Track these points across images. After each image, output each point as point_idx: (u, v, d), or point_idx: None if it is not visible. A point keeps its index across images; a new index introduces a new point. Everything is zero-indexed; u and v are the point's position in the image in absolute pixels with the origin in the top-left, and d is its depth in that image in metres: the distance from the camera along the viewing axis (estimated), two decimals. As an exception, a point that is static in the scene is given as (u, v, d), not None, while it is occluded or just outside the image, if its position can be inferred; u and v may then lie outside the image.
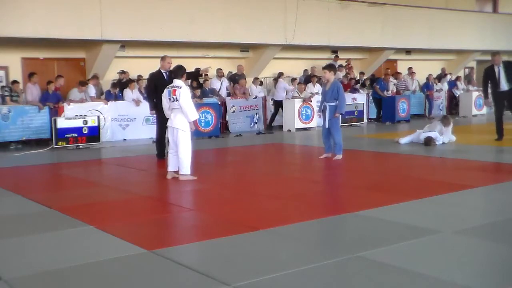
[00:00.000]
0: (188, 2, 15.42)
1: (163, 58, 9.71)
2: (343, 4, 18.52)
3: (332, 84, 9.22)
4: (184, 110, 7.43)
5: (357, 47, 19.58)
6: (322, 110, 9.32)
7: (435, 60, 22.73)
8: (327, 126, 9.21)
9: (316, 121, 15.48)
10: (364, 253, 4.13)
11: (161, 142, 9.79)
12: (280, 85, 15.77)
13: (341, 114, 9.29)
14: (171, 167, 7.76)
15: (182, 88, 7.49)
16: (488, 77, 11.41)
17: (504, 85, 11.18)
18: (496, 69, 11.31)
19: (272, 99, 15.95)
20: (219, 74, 15.91)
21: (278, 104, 15.64)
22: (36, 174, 9.06)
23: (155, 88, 9.49)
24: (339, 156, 9.19)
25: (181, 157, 7.54)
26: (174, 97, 7.46)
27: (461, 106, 19.36)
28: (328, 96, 9.17)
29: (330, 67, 9.45)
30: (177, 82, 7.61)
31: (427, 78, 19.36)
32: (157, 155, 9.87)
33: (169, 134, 7.77)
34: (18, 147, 12.16)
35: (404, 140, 11.28)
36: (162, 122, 9.71)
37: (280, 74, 16.65)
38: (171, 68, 9.57)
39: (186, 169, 7.57)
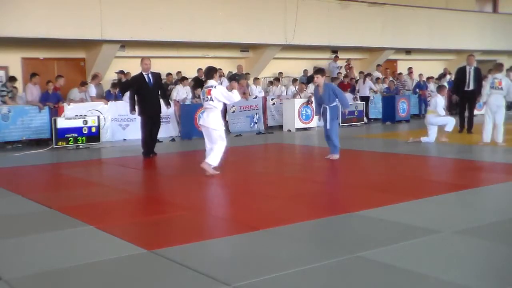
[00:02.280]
0: (188, 2, 15.44)
1: (141, 61, 10.12)
2: (343, 4, 18.53)
3: (325, 87, 9.13)
4: (229, 101, 8.17)
5: (357, 47, 19.58)
6: (322, 113, 9.25)
7: (435, 60, 22.74)
8: (328, 126, 9.16)
9: (316, 121, 15.49)
10: (364, 253, 4.13)
11: (146, 141, 10.21)
12: (366, 84, 17.33)
13: (335, 109, 9.19)
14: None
15: (216, 87, 7.86)
16: (460, 75, 12.81)
17: (471, 85, 12.78)
18: (467, 69, 12.77)
19: (359, 96, 17.36)
20: (219, 74, 15.90)
21: (364, 99, 17.25)
22: (36, 174, 9.06)
23: (137, 90, 10.00)
24: (336, 156, 9.19)
25: (215, 149, 7.82)
26: (209, 96, 7.79)
27: (461, 106, 19.31)
28: (326, 99, 9.07)
29: (321, 72, 9.36)
30: (211, 82, 7.99)
31: (422, 78, 19.26)
32: (143, 153, 10.22)
33: (203, 133, 8.08)
34: (17, 146, 12.13)
35: (427, 139, 11.18)
36: (146, 122, 10.14)
37: (368, 74, 17.96)
38: (150, 69, 10.13)
39: (214, 160, 7.85)
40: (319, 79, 9.13)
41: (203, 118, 7.95)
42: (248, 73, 16.97)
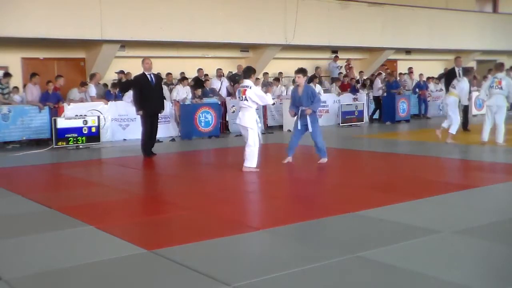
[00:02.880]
0: (188, 2, 15.43)
1: (142, 61, 10.33)
2: (343, 4, 18.52)
3: (305, 88, 8.82)
4: (262, 103, 8.37)
5: (357, 47, 19.57)
6: (300, 115, 8.84)
7: (435, 60, 22.73)
8: (310, 130, 8.79)
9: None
10: (364, 253, 4.13)
11: (146, 141, 10.28)
12: (375, 83, 17.46)
13: (314, 112, 8.79)
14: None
15: (252, 88, 8.06)
16: (451, 77, 13.03)
17: None
18: (456, 70, 13.14)
19: (372, 96, 17.57)
20: (219, 74, 15.91)
21: (375, 99, 17.40)
22: (36, 174, 9.06)
23: (140, 89, 10.16)
24: (325, 159, 8.83)
25: (248, 151, 8.10)
26: (244, 96, 8.04)
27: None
28: (304, 101, 8.73)
29: (304, 72, 8.96)
30: (246, 82, 8.19)
31: (422, 78, 19.25)
32: (143, 153, 10.29)
33: (241, 131, 8.44)
34: (14, 146, 12.12)
35: (453, 124, 11.10)
36: (147, 122, 10.24)
37: (379, 74, 18.02)
38: (152, 69, 10.38)
39: (251, 162, 8.09)
40: (300, 79, 8.77)
41: (239, 117, 8.24)
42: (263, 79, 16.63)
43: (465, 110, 13.69)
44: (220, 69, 16.08)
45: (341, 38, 18.53)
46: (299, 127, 8.89)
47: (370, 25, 19.03)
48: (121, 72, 14.91)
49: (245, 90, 8.02)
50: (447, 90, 13.68)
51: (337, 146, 11.12)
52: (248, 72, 8.26)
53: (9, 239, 4.84)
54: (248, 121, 8.07)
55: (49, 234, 5.00)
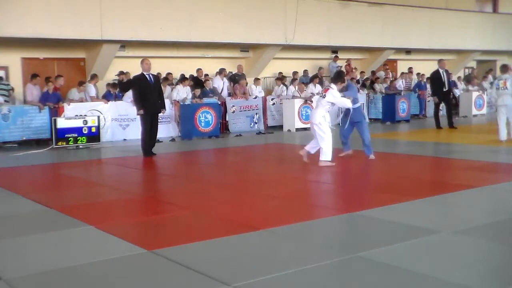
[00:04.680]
0: (188, 2, 15.44)
1: (142, 61, 10.42)
2: (343, 4, 18.53)
3: (348, 87, 9.14)
4: (339, 104, 8.78)
5: (357, 47, 19.58)
6: (345, 114, 9.24)
7: (435, 60, 22.65)
8: (359, 129, 9.29)
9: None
10: (364, 253, 4.13)
11: (146, 141, 10.30)
12: (399, 83, 18.27)
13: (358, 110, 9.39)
14: (308, 147, 8.79)
15: (333, 89, 8.62)
16: (436, 78, 14.40)
17: (446, 86, 14.35)
18: (441, 72, 14.37)
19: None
20: (223, 74, 15.88)
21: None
22: (36, 174, 9.06)
23: (139, 89, 10.23)
24: (373, 156, 9.15)
25: (322, 146, 8.48)
26: (324, 94, 8.64)
27: (461, 106, 19.33)
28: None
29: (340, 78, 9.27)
30: (331, 84, 8.84)
31: (423, 79, 19.27)
32: (143, 153, 10.29)
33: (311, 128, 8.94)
34: (13, 146, 12.12)
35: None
36: (146, 122, 10.27)
37: (402, 73, 18.76)
38: (151, 69, 10.53)
39: (325, 155, 8.44)
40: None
41: (311, 113, 8.83)
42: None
43: (449, 111, 14.50)
44: (224, 68, 16.08)
45: (341, 38, 18.55)
46: (346, 126, 9.33)
47: (370, 25, 19.04)
48: (121, 73, 14.91)
49: (327, 89, 8.60)
50: (435, 93, 14.47)
51: (337, 146, 11.10)
52: (340, 77, 8.80)
53: (9, 239, 4.84)
54: (315, 116, 8.55)
55: (49, 234, 5.00)
